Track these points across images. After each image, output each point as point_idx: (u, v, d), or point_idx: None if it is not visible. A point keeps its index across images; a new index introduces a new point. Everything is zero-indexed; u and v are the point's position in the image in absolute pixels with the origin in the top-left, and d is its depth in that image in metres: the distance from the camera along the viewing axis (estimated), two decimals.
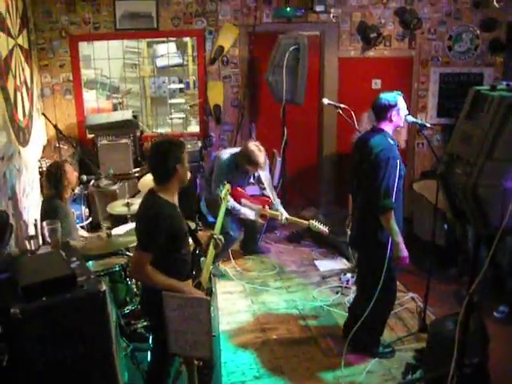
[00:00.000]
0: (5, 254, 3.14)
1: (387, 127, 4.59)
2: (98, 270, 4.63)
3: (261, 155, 6.23)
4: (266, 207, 6.65)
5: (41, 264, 2.96)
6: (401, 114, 4.59)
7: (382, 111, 4.58)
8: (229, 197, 6.07)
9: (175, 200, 3.83)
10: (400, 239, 4.48)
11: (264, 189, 6.85)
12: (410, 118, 4.72)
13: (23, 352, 2.69)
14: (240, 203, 6.49)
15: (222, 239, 4.25)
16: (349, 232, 5.39)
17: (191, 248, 4.03)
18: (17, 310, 2.59)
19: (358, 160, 4.74)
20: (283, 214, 6.59)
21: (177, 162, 3.71)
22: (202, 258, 4.25)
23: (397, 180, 4.40)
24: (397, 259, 4.53)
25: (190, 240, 4.09)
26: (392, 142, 4.53)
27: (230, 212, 6.36)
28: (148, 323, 4.46)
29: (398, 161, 4.42)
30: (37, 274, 2.78)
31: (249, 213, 6.54)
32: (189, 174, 3.92)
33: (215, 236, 4.21)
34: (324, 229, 6.39)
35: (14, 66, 5.71)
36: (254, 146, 6.25)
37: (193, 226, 5.47)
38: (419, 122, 4.92)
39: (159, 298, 3.46)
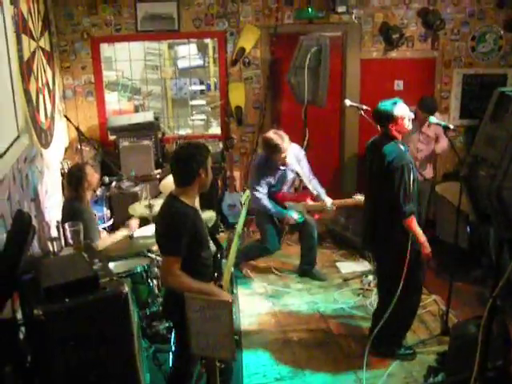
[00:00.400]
0: (28, 256, 3.15)
1: (395, 133, 4.60)
2: (120, 271, 4.65)
3: (279, 139, 5.95)
4: (309, 201, 6.43)
5: (63, 266, 2.98)
6: (402, 122, 4.59)
7: (382, 121, 4.65)
8: (270, 204, 6.15)
9: (196, 204, 3.84)
10: (424, 238, 4.59)
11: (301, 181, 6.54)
12: (433, 120, 4.70)
13: (45, 353, 2.71)
14: (285, 207, 6.31)
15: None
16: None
17: (212, 252, 4.03)
18: (40, 311, 2.60)
19: (370, 166, 4.78)
20: (327, 202, 6.36)
21: (200, 166, 3.72)
22: (224, 260, 4.25)
23: (411, 184, 4.45)
24: (424, 256, 4.65)
25: (212, 244, 4.09)
26: (403, 148, 4.55)
27: (274, 222, 6.34)
28: (170, 324, 4.47)
29: (411, 165, 4.48)
30: (59, 275, 2.79)
31: (295, 216, 6.25)
32: (210, 177, 3.92)
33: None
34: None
35: (35, 69, 5.75)
36: (271, 133, 6.06)
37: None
38: (442, 123, 4.89)
39: (181, 298, 3.48)
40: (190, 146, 3.86)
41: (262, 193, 6.15)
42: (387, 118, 4.56)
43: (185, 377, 4.01)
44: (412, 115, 4.68)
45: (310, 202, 6.42)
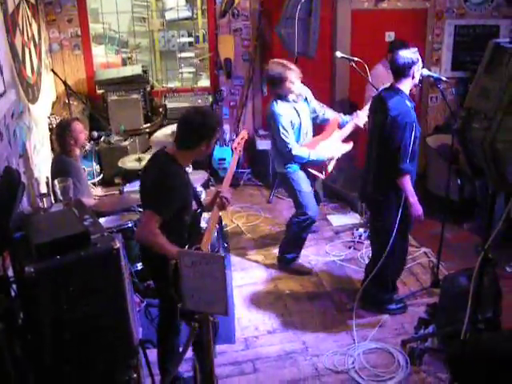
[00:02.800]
0: (17, 213, 3.12)
1: (405, 86, 4.51)
2: (111, 226, 4.64)
3: (279, 66, 5.25)
4: (337, 131, 5.63)
5: (54, 222, 2.94)
6: (420, 69, 4.52)
7: (404, 69, 4.46)
8: (306, 151, 5.36)
9: (188, 167, 3.81)
10: (415, 199, 4.55)
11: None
12: (426, 72, 4.64)
13: (37, 310, 2.70)
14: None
15: (229, 198, 3.98)
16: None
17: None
18: (31, 268, 2.58)
19: (373, 119, 4.71)
20: (358, 118, 5.52)
21: (205, 139, 3.68)
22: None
23: (412, 143, 4.39)
24: (414, 217, 4.62)
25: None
26: (409, 104, 4.47)
27: (307, 180, 5.54)
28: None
29: (414, 124, 4.40)
30: (50, 232, 2.76)
31: (333, 152, 5.52)
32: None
33: (221, 194, 3.95)
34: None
35: (21, 22, 5.63)
36: (271, 64, 5.39)
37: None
38: (435, 75, 4.84)
39: (160, 260, 3.51)
40: (206, 114, 3.75)
41: (291, 142, 5.33)
42: (413, 63, 4.42)
43: (170, 329, 4.03)
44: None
45: (338, 130, 5.64)
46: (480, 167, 3.15)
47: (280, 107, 5.31)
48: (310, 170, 5.52)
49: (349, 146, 5.65)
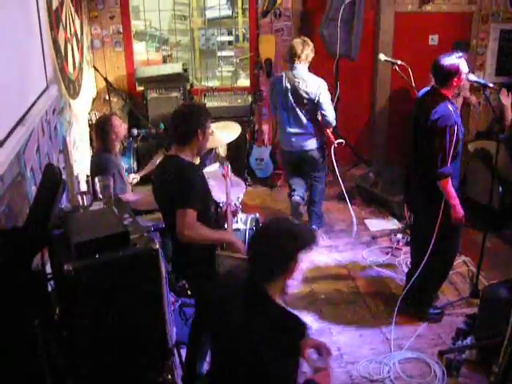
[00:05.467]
0: (58, 210, 3.12)
1: (447, 91, 4.43)
2: (148, 225, 4.62)
3: (299, 43, 5.96)
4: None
5: (94, 221, 2.94)
6: (463, 77, 4.41)
7: (444, 78, 4.40)
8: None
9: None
10: (456, 201, 4.46)
11: None
12: (472, 77, 4.55)
13: (75, 308, 2.69)
14: None
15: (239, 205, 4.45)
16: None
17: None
18: (70, 266, 2.58)
19: (415, 121, 4.63)
20: None
21: (198, 127, 3.72)
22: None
23: (453, 145, 4.31)
24: (454, 220, 4.51)
25: None
26: (451, 107, 4.38)
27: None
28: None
29: (456, 126, 4.31)
30: (90, 231, 2.76)
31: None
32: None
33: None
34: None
35: (64, 18, 5.65)
36: (295, 42, 6.04)
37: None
38: (481, 81, 4.76)
39: (190, 255, 3.59)
40: (192, 105, 3.92)
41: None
42: (453, 73, 4.35)
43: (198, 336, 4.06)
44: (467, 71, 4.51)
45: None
46: None
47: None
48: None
49: None
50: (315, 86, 5.82)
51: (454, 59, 4.38)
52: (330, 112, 5.91)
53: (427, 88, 4.69)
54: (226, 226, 4.33)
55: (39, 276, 2.94)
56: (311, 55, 5.93)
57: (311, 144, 6.02)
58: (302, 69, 5.89)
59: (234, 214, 4.60)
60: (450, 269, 5.07)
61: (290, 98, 5.87)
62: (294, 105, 5.88)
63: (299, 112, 5.91)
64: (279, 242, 2.78)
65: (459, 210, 4.48)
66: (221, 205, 4.85)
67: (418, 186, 4.70)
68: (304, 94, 5.81)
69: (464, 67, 4.39)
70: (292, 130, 5.99)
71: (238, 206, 4.55)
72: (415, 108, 4.73)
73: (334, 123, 6.01)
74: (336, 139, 6.26)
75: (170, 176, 3.75)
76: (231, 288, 2.81)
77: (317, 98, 5.82)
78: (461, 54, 4.46)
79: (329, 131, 6.18)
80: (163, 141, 6.97)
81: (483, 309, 4.54)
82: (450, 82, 4.39)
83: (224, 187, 4.84)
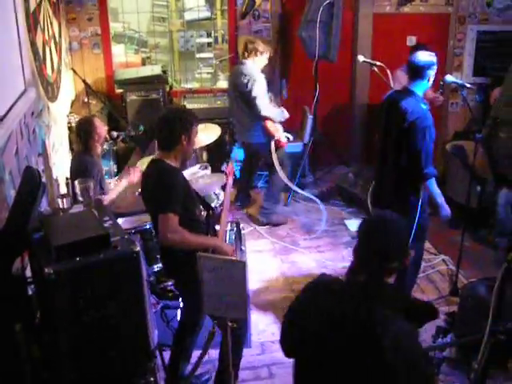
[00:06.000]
0: (37, 213, 3.11)
1: (419, 88, 4.47)
2: (129, 227, 4.62)
3: (256, 40, 6.30)
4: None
5: (74, 223, 2.93)
6: (434, 74, 4.47)
7: (421, 70, 4.42)
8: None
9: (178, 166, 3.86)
10: (442, 199, 4.52)
11: None
12: (450, 78, 4.60)
13: (56, 312, 2.68)
14: None
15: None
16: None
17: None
18: (50, 270, 2.57)
19: (386, 121, 4.66)
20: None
21: (183, 133, 3.70)
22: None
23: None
24: (442, 218, 4.60)
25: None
26: (424, 106, 4.43)
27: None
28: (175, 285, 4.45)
29: (432, 126, 4.38)
30: (70, 233, 2.75)
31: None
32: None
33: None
34: None
35: (42, 20, 5.62)
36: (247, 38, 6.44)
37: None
38: (459, 82, 4.79)
39: (180, 256, 3.57)
40: (177, 110, 3.89)
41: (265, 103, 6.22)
42: (430, 65, 4.40)
43: (192, 328, 4.05)
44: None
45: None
46: (504, 175, 3.11)
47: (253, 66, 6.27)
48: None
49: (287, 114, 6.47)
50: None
51: (428, 55, 4.46)
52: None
53: (396, 88, 4.72)
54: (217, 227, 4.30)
55: (19, 280, 2.93)
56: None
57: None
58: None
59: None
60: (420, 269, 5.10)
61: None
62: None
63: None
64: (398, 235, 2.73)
65: (446, 208, 4.53)
66: (215, 205, 4.87)
67: (391, 190, 4.71)
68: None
69: (436, 63, 4.45)
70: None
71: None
72: (385, 107, 4.74)
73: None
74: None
75: (152, 180, 3.77)
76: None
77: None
78: (433, 53, 4.52)
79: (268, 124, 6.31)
80: (143, 143, 6.97)
81: (463, 307, 4.57)
82: (425, 74, 4.42)
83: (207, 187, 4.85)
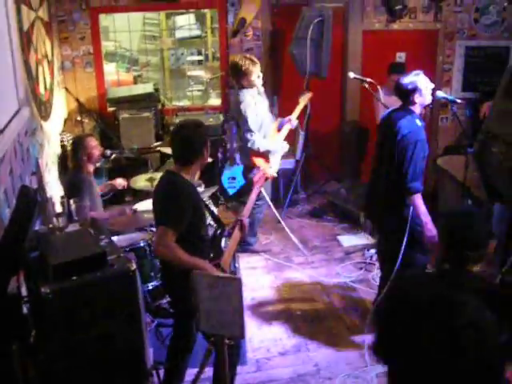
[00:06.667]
0: (32, 232, 3.11)
1: (414, 108, 4.51)
2: (123, 245, 4.62)
3: (245, 60, 5.98)
4: (277, 133, 6.37)
5: (70, 242, 2.95)
6: (424, 93, 4.49)
7: (405, 96, 4.51)
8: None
9: (195, 180, 3.88)
10: (428, 218, 4.45)
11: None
12: (440, 94, 4.64)
13: (52, 330, 2.68)
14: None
15: (248, 221, 4.24)
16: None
17: (213, 229, 4.02)
18: (47, 289, 2.57)
19: (383, 137, 4.70)
20: (289, 121, 6.32)
21: (203, 146, 3.74)
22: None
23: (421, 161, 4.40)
24: (427, 239, 4.47)
25: (212, 222, 4.08)
26: (420, 123, 4.47)
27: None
28: (170, 300, 4.46)
29: (424, 142, 4.40)
30: (67, 252, 2.76)
31: (280, 148, 6.27)
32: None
33: (239, 217, 4.16)
34: (308, 94, 6.52)
35: (35, 40, 5.65)
36: (237, 57, 6.12)
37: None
38: (449, 97, 4.83)
39: (180, 276, 3.50)
40: (192, 124, 3.86)
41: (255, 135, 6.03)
42: (412, 90, 4.45)
43: (185, 346, 4.03)
44: (432, 85, 4.59)
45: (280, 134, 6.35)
46: (497, 190, 3.14)
47: (247, 96, 6.02)
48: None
49: (287, 146, 6.36)
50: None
51: (412, 77, 4.49)
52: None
53: (393, 108, 4.78)
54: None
55: (15, 299, 2.92)
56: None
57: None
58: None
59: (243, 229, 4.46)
60: None
61: None
62: None
63: None
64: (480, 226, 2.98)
65: (431, 228, 4.43)
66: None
67: (384, 204, 4.72)
68: None
69: (422, 83, 4.48)
70: None
71: (245, 221, 4.41)
72: (383, 124, 4.80)
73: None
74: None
75: (161, 192, 3.80)
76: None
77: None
78: (419, 71, 4.55)
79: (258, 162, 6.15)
80: (136, 161, 6.98)
81: None
82: (411, 99, 4.48)
83: None
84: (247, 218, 4.21)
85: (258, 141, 6.00)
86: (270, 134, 6.26)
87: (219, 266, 3.80)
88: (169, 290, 4.19)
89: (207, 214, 4.14)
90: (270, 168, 6.09)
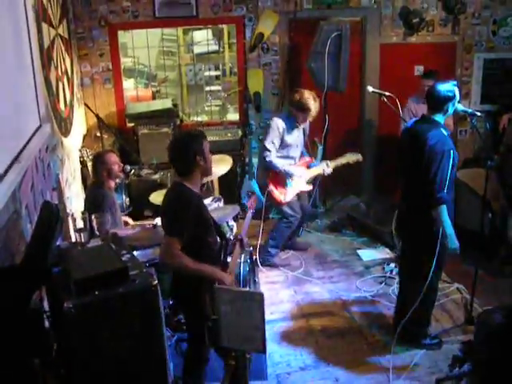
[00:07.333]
0: (55, 247, 3.13)
1: (439, 117, 4.50)
2: (144, 260, 4.62)
3: (312, 101, 6.12)
4: (305, 169, 6.58)
5: (93, 257, 2.95)
6: (455, 104, 4.51)
7: (441, 103, 4.49)
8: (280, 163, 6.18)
9: (198, 189, 3.91)
10: (452, 231, 4.45)
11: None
12: (460, 107, 4.63)
13: (75, 346, 2.68)
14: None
15: (247, 241, 4.45)
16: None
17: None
18: (70, 304, 2.58)
19: (408, 149, 4.68)
20: (324, 166, 6.52)
21: (197, 154, 3.75)
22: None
23: (450, 171, 4.36)
24: (450, 251, 4.52)
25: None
26: (445, 132, 4.46)
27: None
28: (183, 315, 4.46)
29: (452, 151, 4.37)
30: (89, 267, 2.77)
31: (298, 183, 6.42)
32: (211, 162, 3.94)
33: (240, 237, 4.30)
34: (358, 156, 6.71)
35: (55, 56, 5.71)
36: (308, 93, 6.16)
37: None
38: (469, 110, 4.81)
39: (191, 289, 3.56)
40: (185, 135, 3.97)
41: (272, 154, 6.18)
42: (449, 99, 4.46)
43: (199, 361, 4.04)
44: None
45: (307, 170, 6.57)
46: None
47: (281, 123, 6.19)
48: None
49: (308, 188, 6.63)
50: None
51: (450, 86, 4.50)
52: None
53: (416, 118, 4.77)
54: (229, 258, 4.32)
55: (38, 314, 2.94)
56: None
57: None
58: None
59: (242, 247, 4.54)
60: (437, 295, 5.07)
61: None
62: None
63: None
64: None
65: (455, 241, 4.47)
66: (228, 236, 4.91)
67: (412, 217, 4.72)
68: None
69: (457, 94, 4.49)
70: None
71: (245, 241, 4.54)
72: (404, 138, 4.78)
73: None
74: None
75: (167, 202, 3.85)
76: None
77: None
78: (455, 81, 4.57)
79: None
80: (155, 176, 7.02)
81: (479, 335, 4.53)
82: (446, 107, 4.48)
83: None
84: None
85: (273, 157, 6.16)
86: (296, 165, 6.47)
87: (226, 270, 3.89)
88: (180, 305, 4.20)
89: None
90: (281, 195, 6.33)
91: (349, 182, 8.18)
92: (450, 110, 4.53)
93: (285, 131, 6.18)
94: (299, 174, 6.38)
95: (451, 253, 4.55)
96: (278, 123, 6.18)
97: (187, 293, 3.83)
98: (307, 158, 6.65)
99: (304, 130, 6.48)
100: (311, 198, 6.98)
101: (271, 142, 6.14)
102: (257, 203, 6.66)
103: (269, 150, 6.12)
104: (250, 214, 4.81)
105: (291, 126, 6.25)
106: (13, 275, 2.84)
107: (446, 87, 4.48)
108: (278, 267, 6.55)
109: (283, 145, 6.24)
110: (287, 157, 6.34)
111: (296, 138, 6.34)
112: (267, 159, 6.13)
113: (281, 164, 6.19)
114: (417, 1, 7.88)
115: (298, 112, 6.18)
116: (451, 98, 4.46)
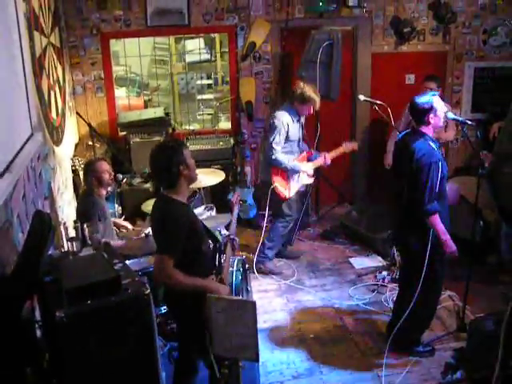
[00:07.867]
0: (46, 256, 3.12)
1: (427, 129, 4.54)
2: (136, 269, 4.62)
3: (313, 91, 6.17)
4: (305, 163, 6.59)
5: (85, 266, 2.94)
6: (438, 114, 4.52)
7: (420, 116, 4.54)
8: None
9: (185, 199, 3.84)
10: (447, 236, 4.51)
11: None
12: (451, 115, 4.65)
13: (66, 355, 2.67)
14: None
15: (238, 241, 4.41)
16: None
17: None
18: (62, 313, 2.57)
19: (399, 162, 4.75)
20: (324, 157, 6.54)
21: (179, 164, 3.65)
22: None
23: (439, 181, 4.40)
24: (449, 254, 4.61)
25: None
26: (433, 144, 4.49)
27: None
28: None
29: (440, 163, 4.41)
30: (81, 277, 2.76)
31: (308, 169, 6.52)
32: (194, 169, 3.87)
33: (231, 237, 4.31)
34: (354, 145, 6.75)
35: (47, 65, 5.70)
36: (306, 84, 6.22)
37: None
38: (460, 119, 4.84)
39: (183, 301, 3.55)
40: (163, 147, 3.79)
41: (278, 151, 6.21)
42: (426, 111, 4.48)
43: (190, 369, 4.03)
44: (445, 109, 4.62)
45: (308, 163, 6.59)
46: (509, 210, 3.13)
47: (285, 118, 6.20)
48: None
49: (311, 180, 6.68)
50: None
51: (428, 97, 4.53)
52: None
53: (406, 130, 4.81)
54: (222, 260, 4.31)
55: (29, 323, 2.93)
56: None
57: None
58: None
59: (233, 248, 4.55)
60: (436, 308, 5.08)
61: None
62: None
63: None
64: None
65: (451, 245, 4.53)
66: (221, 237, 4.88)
67: (407, 228, 4.75)
68: None
69: (438, 104, 4.50)
70: None
71: (237, 241, 4.52)
72: (396, 150, 4.83)
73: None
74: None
75: (156, 217, 3.79)
76: None
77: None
78: (435, 92, 4.59)
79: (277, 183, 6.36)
80: (147, 185, 7.01)
81: (471, 342, 4.55)
82: (426, 119, 4.51)
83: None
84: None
85: (278, 154, 6.18)
86: (297, 159, 6.44)
87: (221, 280, 3.83)
88: (172, 316, 4.23)
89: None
90: (286, 191, 6.33)
91: (341, 190, 8.19)
92: (437, 122, 4.55)
93: (289, 125, 6.20)
94: (304, 168, 6.44)
95: (450, 256, 4.64)
96: (283, 119, 6.18)
97: (180, 301, 3.81)
98: (305, 152, 6.64)
99: (302, 124, 6.49)
100: (303, 206, 6.99)
101: (278, 140, 6.16)
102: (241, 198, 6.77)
103: (275, 149, 6.15)
104: (236, 210, 4.86)
105: (293, 119, 6.28)
106: (4, 285, 2.83)
107: (423, 99, 4.52)
108: (272, 273, 6.56)
109: (287, 139, 6.26)
110: (291, 151, 6.36)
111: (297, 131, 6.37)
112: (273, 157, 6.16)
113: (286, 160, 6.22)
114: (408, 10, 7.93)
115: (302, 104, 6.19)
116: (429, 110, 4.48)
